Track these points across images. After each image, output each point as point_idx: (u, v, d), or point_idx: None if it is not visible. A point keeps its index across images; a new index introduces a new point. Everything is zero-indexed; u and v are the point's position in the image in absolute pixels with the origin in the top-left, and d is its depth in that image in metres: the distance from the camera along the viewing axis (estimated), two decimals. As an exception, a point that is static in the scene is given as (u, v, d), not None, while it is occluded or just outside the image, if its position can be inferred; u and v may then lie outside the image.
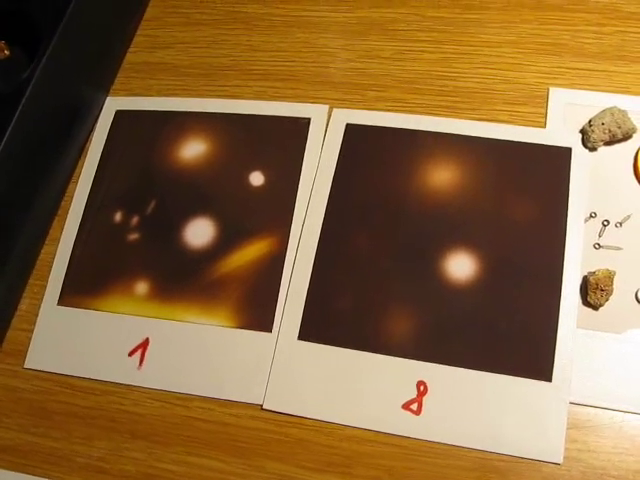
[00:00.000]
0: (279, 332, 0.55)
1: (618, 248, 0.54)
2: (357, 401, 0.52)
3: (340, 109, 0.61)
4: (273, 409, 0.53)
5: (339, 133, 0.60)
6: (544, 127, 0.58)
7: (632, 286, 0.53)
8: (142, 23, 0.70)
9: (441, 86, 0.62)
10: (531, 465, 0.49)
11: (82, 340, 0.58)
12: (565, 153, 0.57)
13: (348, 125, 0.61)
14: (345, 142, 0.60)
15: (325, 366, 0.54)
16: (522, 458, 0.49)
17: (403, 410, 0.52)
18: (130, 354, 0.57)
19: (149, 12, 0.71)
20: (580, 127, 0.58)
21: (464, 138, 0.59)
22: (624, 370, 0.51)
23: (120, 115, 0.66)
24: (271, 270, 0.57)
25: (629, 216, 0.55)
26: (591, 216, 0.55)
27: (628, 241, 0.54)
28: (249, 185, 0.60)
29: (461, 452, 0.50)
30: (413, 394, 0.52)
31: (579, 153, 0.57)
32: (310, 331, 0.55)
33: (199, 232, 0.59)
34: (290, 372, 0.54)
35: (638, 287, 0.53)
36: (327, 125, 0.61)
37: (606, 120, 0.56)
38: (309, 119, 0.61)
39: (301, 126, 0.61)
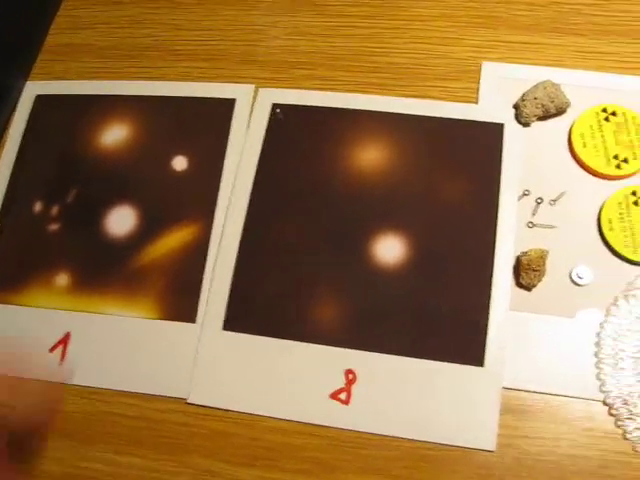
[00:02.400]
0: (203, 323, 0.53)
1: (552, 227, 0.53)
2: (284, 392, 0.50)
3: (266, 89, 0.59)
4: (198, 403, 0.51)
5: (265, 114, 0.58)
6: (476, 102, 0.56)
7: (566, 266, 0.51)
8: (63, 3, 0.66)
9: (372, 62, 0.59)
10: (464, 453, 0.48)
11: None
12: (497, 129, 0.55)
13: (274, 105, 0.58)
14: (271, 122, 0.58)
15: (251, 357, 0.52)
16: (454, 446, 0.48)
17: (331, 400, 0.50)
18: (51, 350, 0.54)
19: (71, -9, 0.67)
20: (514, 102, 0.56)
21: (394, 116, 0.57)
22: (558, 353, 0.49)
23: (40, 100, 0.63)
24: (194, 259, 0.55)
25: (563, 193, 0.53)
26: (524, 194, 0.53)
27: (562, 219, 0.53)
28: (172, 170, 0.57)
29: (392, 442, 0.48)
30: (341, 383, 0.50)
31: (511, 129, 0.55)
32: (235, 321, 0.53)
33: (121, 221, 0.57)
34: (215, 364, 0.52)
35: (572, 267, 0.51)
36: (252, 106, 0.58)
37: (539, 94, 0.54)
38: (234, 100, 0.59)
39: (226, 107, 0.58)
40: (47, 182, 0.60)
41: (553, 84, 0.54)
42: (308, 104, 0.58)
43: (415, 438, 0.48)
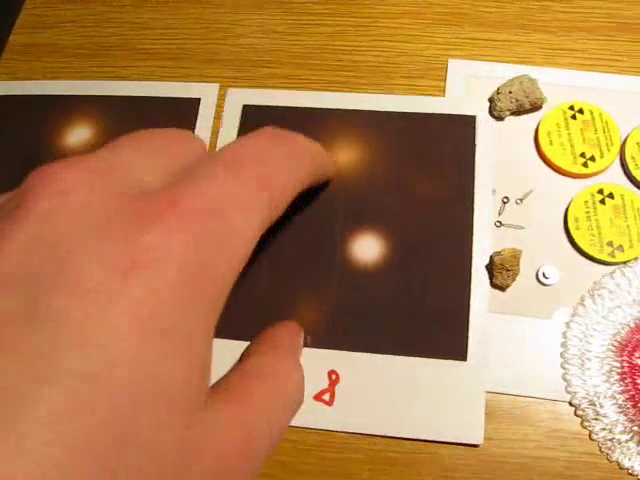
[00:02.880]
0: None
1: (520, 227, 0.52)
2: None
3: (235, 89, 0.58)
4: None
5: (236, 117, 0.57)
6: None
7: (534, 266, 0.51)
8: (27, 2, 0.65)
9: (337, 61, 0.58)
10: (429, 456, 0.47)
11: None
12: (470, 122, 0.54)
13: (245, 107, 0.58)
14: (242, 125, 0.57)
15: (233, 363, 0.51)
16: (438, 442, 0.47)
17: (315, 402, 0.49)
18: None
19: (35, -11, 0.66)
20: (480, 99, 0.55)
21: (365, 113, 0.56)
22: (524, 353, 0.49)
23: (4, 101, 0.62)
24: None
25: (530, 192, 0.53)
26: (492, 192, 0.53)
27: (529, 218, 0.52)
28: (136, 171, 0.56)
29: (358, 444, 0.48)
30: (325, 384, 0.50)
31: (484, 121, 0.54)
32: (218, 327, 0.52)
33: (83, 223, 0.56)
34: None
35: (539, 267, 0.51)
36: (217, 106, 0.58)
37: (514, 89, 0.53)
38: (199, 99, 0.58)
39: (190, 107, 0.58)
40: (10, 185, 0.58)
41: (530, 79, 0.54)
42: (278, 104, 0.57)
43: (402, 436, 0.48)
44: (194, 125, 0.57)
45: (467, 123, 0.54)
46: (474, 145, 0.54)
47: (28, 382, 0.20)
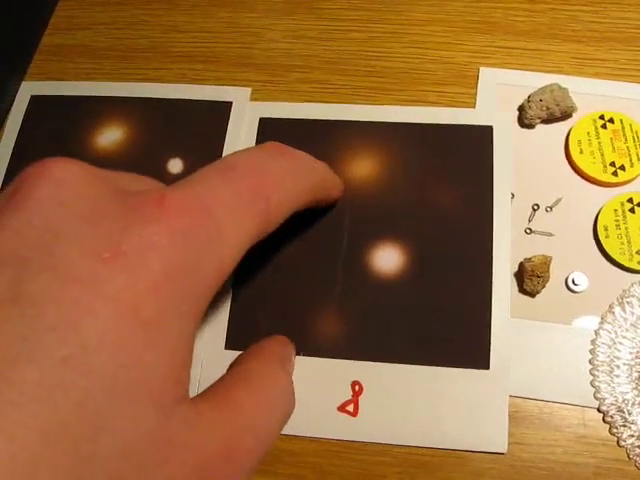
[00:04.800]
0: (204, 343, 0.52)
1: (550, 234, 0.52)
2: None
3: (252, 102, 0.59)
4: None
5: (253, 129, 0.57)
6: (474, 107, 0.56)
7: (563, 272, 0.51)
8: (60, 3, 0.66)
9: (368, 66, 0.59)
10: (459, 459, 0.47)
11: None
12: (487, 132, 0.55)
13: (262, 120, 0.58)
14: (260, 137, 0.57)
15: None
16: (464, 451, 0.47)
17: (339, 413, 0.49)
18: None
19: (67, -9, 0.67)
20: (511, 107, 0.56)
21: (385, 125, 0.56)
22: (553, 360, 0.49)
23: (35, 100, 0.62)
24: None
25: (559, 200, 0.53)
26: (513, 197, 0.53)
27: (558, 226, 0.53)
28: (168, 173, 0.57)
29: (387, 447, 0.48)
30: (348, 395, 0.50)
31: (501, 131, 0.55)
32: (237, 339, 0.52)
33: (115, 223, 0.56)
34: None
35: (568, 273, 0.51)
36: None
37: (545, 97, 0.54)
38: (230, 103, 0.58)
39: (222, 110, 0.58)
40: (41, 183, 0.59)
41: (560, 87, 0.54)
42: (296, 117, 0.57)
43: (426, 445, 0.48)
44: (225, 128, 0.57)
45: (485, 133, 0.55)
46: (492, 155, 0.54)
47: (5, 363, 0.20)
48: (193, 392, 0.52)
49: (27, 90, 0.63)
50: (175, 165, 0.57)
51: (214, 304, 0.53)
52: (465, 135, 0.55)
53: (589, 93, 0.56)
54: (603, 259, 0.51)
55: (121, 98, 0.60)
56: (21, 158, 0.60)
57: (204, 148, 0.57)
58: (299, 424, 0.49)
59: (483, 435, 0.48)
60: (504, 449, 0.47)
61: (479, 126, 0.55)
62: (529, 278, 0.50)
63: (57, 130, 0.61)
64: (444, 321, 0.51)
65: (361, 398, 0.50)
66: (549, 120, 0.55)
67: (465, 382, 0.49)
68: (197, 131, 0.58)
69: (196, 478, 0.24)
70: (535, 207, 0.53)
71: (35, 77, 0.63)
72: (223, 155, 0.57)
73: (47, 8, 0.65)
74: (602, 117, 0.55)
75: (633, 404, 0.48)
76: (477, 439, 0.48)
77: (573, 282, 0.51)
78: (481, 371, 0.49)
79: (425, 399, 0.49)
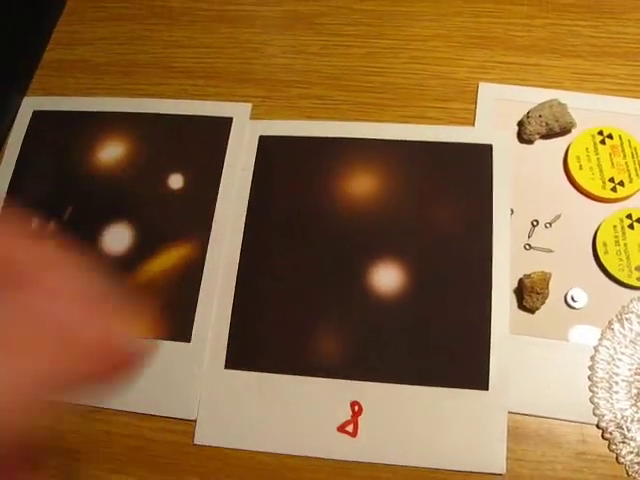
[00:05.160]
0: (204, 361, 0.53)
1: (549, 250, 0.53)
2: (291, 428, 0.50)
3: (251, 121, 0.59)
4: (205, 444, 0.50)
5: (253, 147, 0.58)
6: (473, 123, 0.56)
7: (562, 289, 0.51)
8: (61, 19, 0.66)
9: (368, 82, 0.59)
10: (463, 476, 0.47)
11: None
12: (487, 150, 0.55)
13: (261, 138, 0.58)
14: (259, 155, 0.57)
15: (255, 394, 0.51)
16: (463, 472, 0.47)
17: (339, 433, 0.49)
18: (46, 368, 0.54)
19: (69, 6, 0.67)
20: (510, 123, 0.56)
21: (384, 143, 0.56)
22: (552, 376, 0.49)
23: (37, 116, 0.62)
24: (190, 277, 0.54)
25: (558, 216, 0.53)
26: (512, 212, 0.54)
27: (558, 242, 0.53)
28: (168, 188, 0.57)
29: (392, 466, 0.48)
30: (348, 415, 0.50)
31: (500, 149, 0.55)
32: (236, 359, 0.52)
33: (116, 238, 0.57)
34: (219, 404, 0.51)
35: (567, 290, 0.51)
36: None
37: (544, 112, 0.54)
38: (231, 118, 0.59)
39: (222, 126, 0.58)
40: (43, 199, 0.60)
41: (560, 103, 0.54)
42: (296, 135, 0.58)
43: (425, 466, 0.48)
44: (226, 144, 0.58)
45: (484, 152, 0.55)
46: (491, 173, 0.54)
47: None
48: (193, 410, 0.54)
49: (29, 105, 0.63)
50: (176, 181, 0.58)
51: (213, 323, 0.54)
52: (464, 153, 0.55)
53: (588, 109, 0.56)
54: (602, 275, 0.52)
55: (122, 114, 0.61)
56: (24, 172, 0.61)
57: (205, 164, 0.58)
58: (298, 444, 0.50)
59: (482, 456, 0.48)
60: (502, 470, 0.47)
61: (478, 144, 0.55)
62: (528, 294, 0.50)
63: (59, 145, 0.61)
64: (443, 340, 0.51)
65: (360, 418, 0.50)
66: (548, 135, 0.55)
67: (464, 403, 0.49)
68: (198, 147, 0.59)
69: None
70: (534, 223, 0.53)
71: (37, 92, 0.64)
72: (224, 171, 0.57)
73: (49, 24, 0.66)
74: (601, 133, 0.55)
75: (632, 420, 0.48)
76: (476, 460, 0.48)
77: (572, 299, 0.51)
78: (480, 392, 0.49)
79: (425, 420, 0.49)
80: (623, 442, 0.47)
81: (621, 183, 0.53)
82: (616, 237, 0.52)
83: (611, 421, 0.48)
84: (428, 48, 0.60)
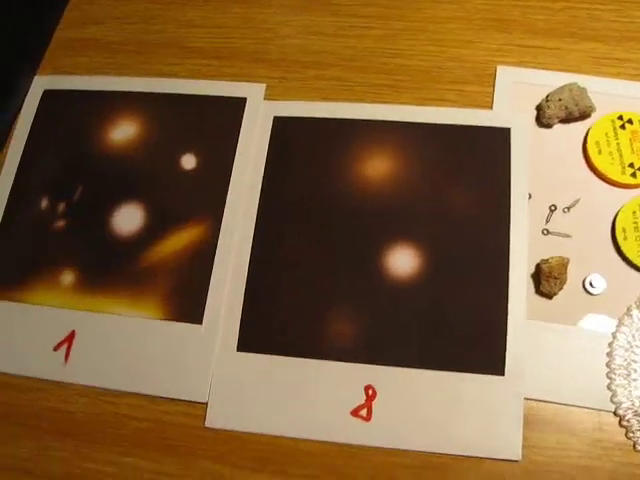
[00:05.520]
0: (216, 344, 0.52)
1: (567, 235, 0.52)
2: (304, 412, 0.49)
3: (266, 101, 0.58)
4: (217, 427, 0.50)
5: (267, 128, 0.57)
6: (491, 106, 0.56)
7: (580, 274, 0.51)
8: (72, -4, 0.66)
9: (385, 64, 0.58)
10: (474, 462, 0.47)
11: (4, 334, 0.55)
12: (505, 134, 0.54)
13: (276, 118, 0.57)
14: (274, 136, 0.57)
15: (267, 377, 0.51)
16: (478, 457, 0.47)
17: (352, 417, 0.49)
18: (55, 348, 0.53)
19: (80, -15, 0.66)
20: (528, 107, 0.55)
21: (401, 125, 0.56)
22: (569, 362, 0.49)
23: (48, 95, 0.62)
24: (202, 258, 0.54)
25: (577, 201, 0.53)
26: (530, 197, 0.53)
27: (576, 227, 0.52)
28: (181, 168, 0.56)
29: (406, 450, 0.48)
30: (362, 399, 0.49)
31: (518, 133, 0.54)
32: (249, 342, 0.52)
33: (128, 219, 0.56)
34: (231, 387, 0.51)
35: (585, 275, 0.50)
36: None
37: (564, 96, 0.53)
38: (245, 99, 0.58)
39: (236, 106, 0.58)
40: (54, 178, 0.59)
41: (579, 87, 0.53)
42: (310, 116, 0.57)
43: (439, 451, 0.47)
44: (240, 125, 0.57)
45: (502, 135, 0.54)
46: (509, 157, 0.54)
47: None
48: (205, 393, 0.53)
49: (40, 84, 0.62)
50: (188, 161, 0.57)
51: (225, 306, 0.53)
52: (482, 136, 0.54)
53: (607, 93, 0.55)
54: (621, 261, 0.51)
55: (134, 93, 0.60)
56: (34, 151, 0.60)
57: (218, 145, 0.57)
58: (312, 428, 0.49)
59: (497, 442, 0.47)
60: (518, 456, 0.47)
61: (497, 128, 0.55)
62: (546, 280, 0.50)
63: (69, 124, 0.61)
64: (459, 324, 0.50)
65: (374, 403, 0.49)
66: (567, 120, 0.55)
67: (480, 388, 0.49)
68: (211, 127, 0.58)
69: None
70: (552, 208, 0.53)
71: (48, 71, 0.63)
72: (237, 152, 0.56)
73: (61, 2, 0.65)
74: (621, 117, 0.54)
75: (650, 408, 0.47)
76: (491, 446, 0.47)
77: (590, 284, 0.50)
78: (496, 377, 0.49)
79: (439, 405, 0.49)
80: (641, 430, 0.47)
81: (641, 169, 0.52)
82: (635, 223, 0.51)
83: (629, 409, 0.47)
84: (446, 30, 0.59)
